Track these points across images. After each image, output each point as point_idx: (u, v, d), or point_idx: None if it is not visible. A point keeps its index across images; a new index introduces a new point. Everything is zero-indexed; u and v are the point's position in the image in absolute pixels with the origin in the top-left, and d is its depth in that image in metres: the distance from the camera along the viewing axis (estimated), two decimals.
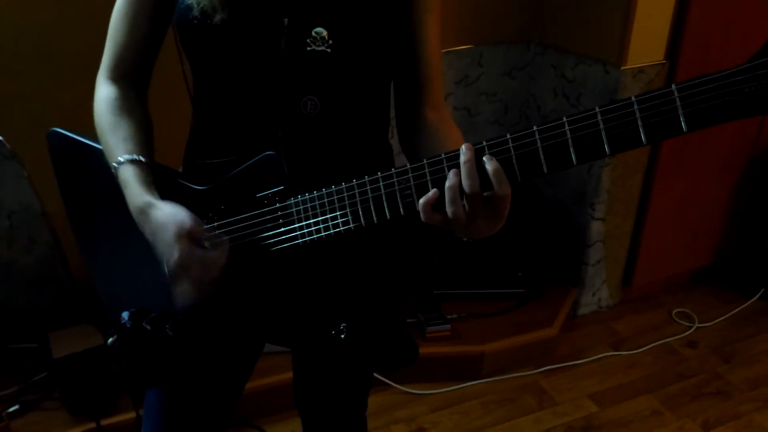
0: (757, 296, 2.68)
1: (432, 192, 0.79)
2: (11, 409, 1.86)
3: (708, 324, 2.56)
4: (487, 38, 2.40)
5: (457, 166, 0.78)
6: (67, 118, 1.12)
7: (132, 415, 1.83)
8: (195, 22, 0.90)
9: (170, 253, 0.88)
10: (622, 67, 2.15)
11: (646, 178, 2.43)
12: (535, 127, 0.75)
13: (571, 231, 2.51)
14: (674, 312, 2.62)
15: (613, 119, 0.71)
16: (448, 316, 2.27)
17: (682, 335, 2.50)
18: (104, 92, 1.00)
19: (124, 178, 0.93)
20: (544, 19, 2.41)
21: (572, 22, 2.31)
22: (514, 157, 0.76)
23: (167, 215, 0.89)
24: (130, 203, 0.92)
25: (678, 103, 0.67)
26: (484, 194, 0.78)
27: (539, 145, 0.75)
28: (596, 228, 2.42)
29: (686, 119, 0.67)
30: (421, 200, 0.80)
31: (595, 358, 2.37)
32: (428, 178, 0.80)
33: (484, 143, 0.78)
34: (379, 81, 1.01)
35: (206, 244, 0.89)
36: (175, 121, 1.28)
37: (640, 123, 0.69)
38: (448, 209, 0.79)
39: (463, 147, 0.77)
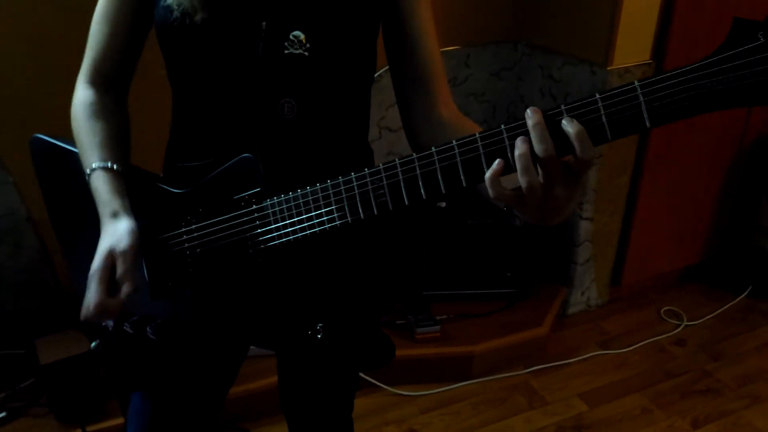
0: (745, 294, 2.70)
1: (497, 163, 0.72)
2: None
3: (697, 322, 2.57)
4: (475, 39, 2.40)
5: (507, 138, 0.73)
6: (53, 124, 1.11)
7: (120, 420, 1.82)
8: (175, 23, 0.90)
9: (92, 266, 0.89)
10: (609, 68, 2.16)
11: (633, 177, 2.44)
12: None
13: (559, 230, 2.51)
14: (663, 310, 2.63)
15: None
16: (438, 317, 2.27)
17: (671, 333, 2.51)
18: (82, 96, 1.00)
19: (94, 186, 0.93)
20: (532, 20, 2.41)
21: (559, 22, 2.32)
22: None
23: (119, 229, 0.90)
24: (99, 211, 0.93)
25: (641, 99, 0.67)
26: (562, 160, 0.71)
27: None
28: (584, 227, 2.43)
29: (649, 115, 0.67)
30: (488, 173, 0.72)
31: (584, 357, 2.37)
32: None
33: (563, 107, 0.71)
34: (358, 84, 1.01)
35: (118, 271, 0.89)
36: (162, 125, 1.27)
37: (605, 119, 0.69)
38: (522, 180, 0.71)
39: (528, 111, 0.70)
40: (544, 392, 2.21)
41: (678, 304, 2.66)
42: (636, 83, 0.67)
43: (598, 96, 0.69)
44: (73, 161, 0.99)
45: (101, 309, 0.88)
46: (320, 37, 0.91)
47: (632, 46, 2.18)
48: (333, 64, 0.93)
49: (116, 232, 0.90)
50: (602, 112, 0.69)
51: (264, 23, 0.90)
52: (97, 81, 1.01)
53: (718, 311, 2.62)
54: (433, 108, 1.01)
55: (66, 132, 1.05)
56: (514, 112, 2.60)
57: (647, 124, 0.68)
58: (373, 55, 0.99)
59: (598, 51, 2.18)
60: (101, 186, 0.93)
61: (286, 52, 0.90)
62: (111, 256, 0.89)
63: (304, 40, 0.90)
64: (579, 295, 2.58)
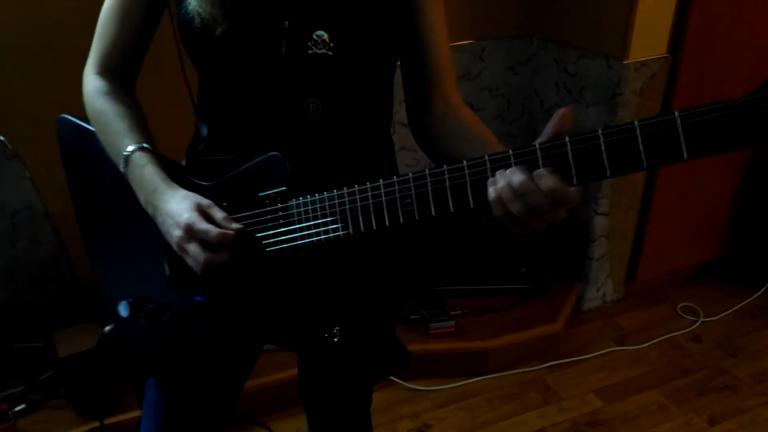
0: (763, 290, 2.67)
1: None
2: (17, 408, 1.87)
3: (713, 318, 2.55)
4: (489, 33, 2.39)
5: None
6: None
7: (137, 413, 1.83)
8: (196, 31, 0.90)
9: (179, 220, 0.87)
10: (625, 61, 2.14)
11: (650, 172, 2.42)
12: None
13: (574, 226, 2.50)
14: (679, 306, 2.61)
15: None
16: (452, 313, 2.27)
17: (688, 330, 2.49)
18: (95, 86, 1.00)
19: (138, 165, 0.92)
20: (547, 13, 2.40)
21: (574, 15, 2.30)
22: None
23: (188, 194, 0.89)
24: (148, 186, 0.91)
25: (680, 129, 0.65)
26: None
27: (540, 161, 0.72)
28: (600, 223, 2.41)
29: (687, 146, 0.65)
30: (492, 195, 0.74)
31: (600, 353, 2.36)
32: (429, 188, 0.78)
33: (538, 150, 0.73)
34: (381, 79, 1.00)
35: (219, 216, 0.87)
36: (172, 119, 1.28)
37: (641, 147, 0.67)
38: (513, 208, 0.73)
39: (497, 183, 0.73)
40: (559, 388, 2.20)
41: (694, 300, 2.64)
42: (676, 113, 0.66)
43: (636, 123, 0.67)
44: (99, 144, 0.99)
45: (222, 238, 0.86)
46: (344, 36, 0.90)
47: (649, 39, 2.16)
48: (357, 62, 0.93)
49: (188, 194, 0.89)
50: (639, 140, 0.67)
51: (287, 23, 0.89)
52: (108, 72, 1.01)
53: (735, 307, 2.60)
54: (431, 101, 1.01)
55: None
56: (529, 107, 2.59)
57: (684, 155, 0.66)
58: (394, 49, 0.99)
59: (614, 44, 2.16)
60: (147, 164, 0.92)
61: (309, 52, 0.90)
62: (200, 207, 0.87)
63: (327, 40, 0.89)
64: (594, 290, 2.57)
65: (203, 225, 0.85)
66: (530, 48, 2.49)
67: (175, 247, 0.89)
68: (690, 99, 2.28)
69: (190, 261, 0.88)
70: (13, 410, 1.85)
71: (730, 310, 2.58)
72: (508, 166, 0.73)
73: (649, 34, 2.15)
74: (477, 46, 2.38)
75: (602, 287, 2.58)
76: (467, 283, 2.39)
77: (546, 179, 0.70)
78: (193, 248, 0.86)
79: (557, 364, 2.30)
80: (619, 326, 2.52)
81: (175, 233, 0.87)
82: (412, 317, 2.27)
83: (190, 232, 0.86)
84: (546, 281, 2.46)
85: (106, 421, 1.83)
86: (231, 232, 0.86)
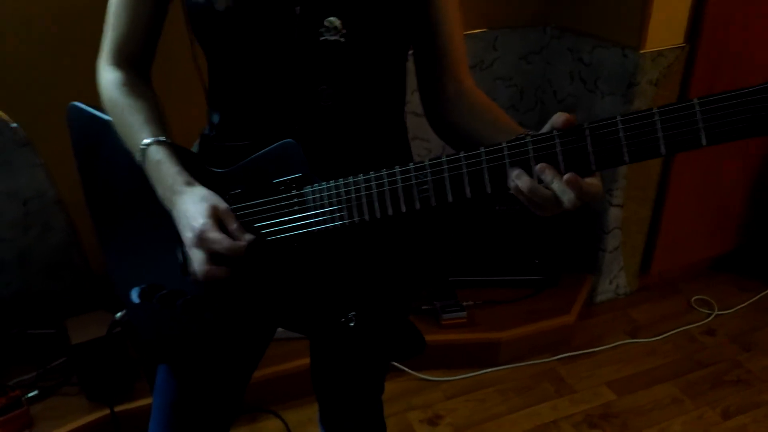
0: None
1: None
2: (30, 395, 1.88)
3: (728, 311, 2.52)
4: (503, 22, 2.36)
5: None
6: None
7: (150, 400, 1.83)
8: (200, 5, 0.88)
9: (194, 224, 0.86)
10: (641, 51, 2.11)
11: (665, 164, 2.39)
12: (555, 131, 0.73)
13: (588, 217, 2.48)
14: (693, 299, 2.59)
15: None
16: (464, 303, 2.26)
17: (702, 323, 2.47)
18: (110, 77, 0.98)
19: (155, 159, 0.91)
20: (561, 2, 2.37)
21: (590, 4, 2.27)
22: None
23: (206, 195, 0.88)
24: (165, 182, 0.90)
25: (699, 116, 0.65)
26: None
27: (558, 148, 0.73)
28: (614, 214, 2.39)
29: (706, 133, 0.66)
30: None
31: (612, 345, 2.34)
32: (446, 174, 0.77)
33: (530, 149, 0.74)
34: (395, 65, 0.99)
35: (232, 229, 0.87)
36: (185, 106, 1.27)
37: (660, 134, 0.67)
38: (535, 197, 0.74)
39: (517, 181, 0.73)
40: (572, 380, 2.19)
41: (708, 293, 2.61)
42: (695, 100, 0.66)
43: (655, 110, 0.67)
44: (111, 131, 0.98)
45: (232, 250, 0.85)
46: (356, 22, 0.88)
47: (665, 28, 2.12)
48: (370, 49, 0.91)
49: (206, 195, 0.88)
50: (659, 126, 0.67)
51: (298, 8, 0.87)
52: (122, 62, 0.99)
53: (750, 301, 2.57)
54: (451, 86, 1.00)
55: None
56: (542, 97, 2.57)
57: (703, 142, 0.67)
58: (407, 34, 0.97)
59: (630, 34, 2.13)
60: (164, 158, 0.90)
61: (321, 38, 0.88)
62: (215, 214, 0.86)
63: (340, 26, 0.88)
64: (607, 283, 2.55)
65: (215, 234, 0.85)
66: (544, 37, 2.47)
67: (186, 247, 0.88)
68: (706, 89, 2.25)
69: (194, 266, 0.88)
70: (26, 396, 1.86)
71: (745, 304, 2.56)
72: (526, 153, 0.73)
73: (666, 24, 2.12)
74: (490, 34, 2.36)
75: (615, 279, 2.56)
76: (479, 274, 2.38)
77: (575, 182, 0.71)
78: (198, 256, 0.86)
79: (570, 356, 2.28)
80: (632, 319, 2.50)
81: (187, 235, 0.87)
82: (423, 308, 2.26)
83: (201, 238, 0.85)
84: (559, 273, 2.44)
85: (119, 408, 1.84)
86: (242, 244, 0.85)
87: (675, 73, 2.21)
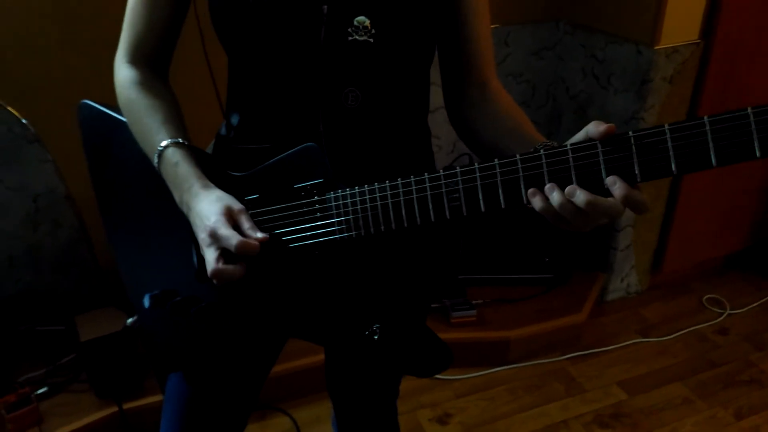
0: None
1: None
2: (40, 391, 1.88)
3: (740, 311, 2.50)
4: (515, 17, 2.34)
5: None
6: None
7: (159, 398, 1.82)
8: (224, 4, 0.86)
9: (207, 222, 0.84)
10: (655, 47, 2.08)
11: None
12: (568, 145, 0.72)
13: None
14: (705, 298, 2.57)
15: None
16: (474, 302, 2.24)
17: (714, 322, 2.44)
18: (128, 75, 0.96)
19: (172, 161, 0.89)
20: None
21: (603, 0, 2.25)
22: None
23: (221, 196, 0.86)
24: (183, 181, 0.88)
25: (753, 127, 0.64)
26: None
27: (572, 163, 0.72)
28: (626, 213, 2.36)
29: (760, 144, 0.65)
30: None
31: (623, 344, 2.32)
32: (479, 183, 0.75)
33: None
34: (422, 67, 0.96)
35: (247, 224, 0.84)
36: (199, 108, 1.26)
37: (711, 145, 0.65)
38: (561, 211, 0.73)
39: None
40: (582, 379, 2.18)
41: (721, 292, 2.59)
42: (705, 119, 0.64)
43: (706, 119, 0.65)
44: (122, 130, 0.96)
45: (243, 247, 0.83)
46: (386, 22, 0.86)
47: (680, 24, 2.10)
48: (399, 49, 0.89)
49: (221, 196, 0.86)
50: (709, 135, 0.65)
51: (325, 7, 0.85)
52: (140, 61, 0.97)
53: (763, 300, 2.54)
54: (477, 87, 0.97)
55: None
56: (554, 93, 2.54)
57: (713, 162, 0.65)
58: (435, 34, 0.95)
59: (644, 30, 2.10)
60: (182, 161, 0.88)
61: (350, 39, 0.85)
62: (228, 213, 0.84)
63: (369, 26, 0.85)
64: (618, 281, 2.53)
65: (226, 231, 0.82)
66: (557, 33, 2.44)
67: (201, 249, 0.86)
68: (721, 86, 2.22)
69: (207, 267, 0.85)
70: (35, 393, 1.86)
71: (758, 303, 2.53)
72: (566, 162, 0.71)
73: (681, 19, 2.09)
74: (502, 30, 2.34)
75: (626, 278, 2.54)
76: (489, 272, 2.36)
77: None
78: (210, 255, 0.83)
79: (580, 355, 2.27)
80: (643, 318, 2.48)
81: (201, 235, 0.85)
82: (433, 306, 2.25)
83: (213, 236, 0.83)
84: (569, 271, 2.42)
85: (128, 405, 1.84)
86: (254, 242, 0.82)
87: (689, 70, 2.18)
